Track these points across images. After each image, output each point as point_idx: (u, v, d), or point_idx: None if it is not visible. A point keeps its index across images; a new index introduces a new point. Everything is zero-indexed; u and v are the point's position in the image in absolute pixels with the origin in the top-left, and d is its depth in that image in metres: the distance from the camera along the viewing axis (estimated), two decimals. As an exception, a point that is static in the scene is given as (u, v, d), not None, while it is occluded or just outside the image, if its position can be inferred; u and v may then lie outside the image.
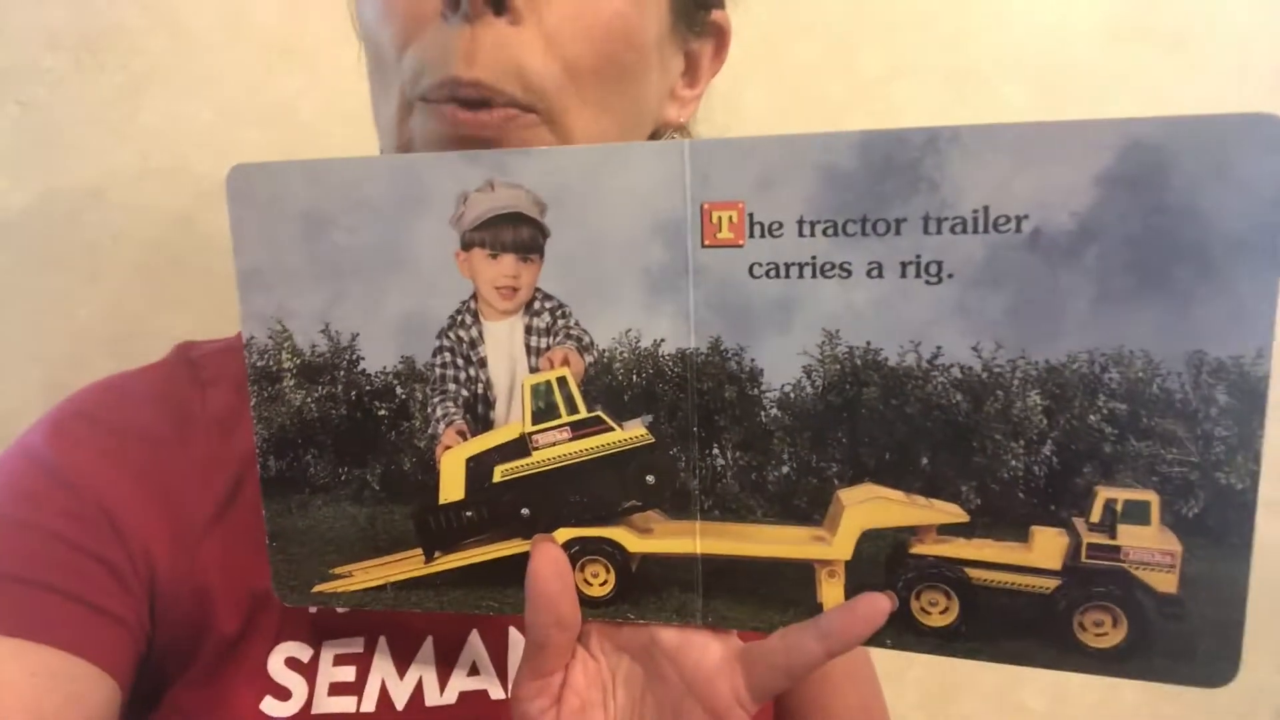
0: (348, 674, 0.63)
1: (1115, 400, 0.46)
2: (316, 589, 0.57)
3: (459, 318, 0.54)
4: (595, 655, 0.56)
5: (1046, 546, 0.48)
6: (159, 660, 0.62)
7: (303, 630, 0.64)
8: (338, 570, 0.57)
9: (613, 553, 0.54)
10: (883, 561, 0.51)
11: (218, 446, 0.65)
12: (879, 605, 0.50)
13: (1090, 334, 0.46)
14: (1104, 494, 0.47)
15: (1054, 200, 0.45)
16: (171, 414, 0.65)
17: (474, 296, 0.53)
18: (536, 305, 0.53)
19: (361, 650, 0.64)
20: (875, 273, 0.48)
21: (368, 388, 0.55)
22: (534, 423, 0.54)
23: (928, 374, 0.48)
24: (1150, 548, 0.47)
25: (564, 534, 0.54)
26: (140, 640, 0.61)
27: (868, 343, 0.49)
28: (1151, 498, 0.46)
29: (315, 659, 0.63)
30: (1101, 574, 0.48)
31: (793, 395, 0.51)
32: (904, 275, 0.48)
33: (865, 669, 0.85)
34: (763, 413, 0.51)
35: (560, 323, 0.53)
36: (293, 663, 0.63)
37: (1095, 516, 0.47)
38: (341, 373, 0.55)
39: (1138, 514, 0.47)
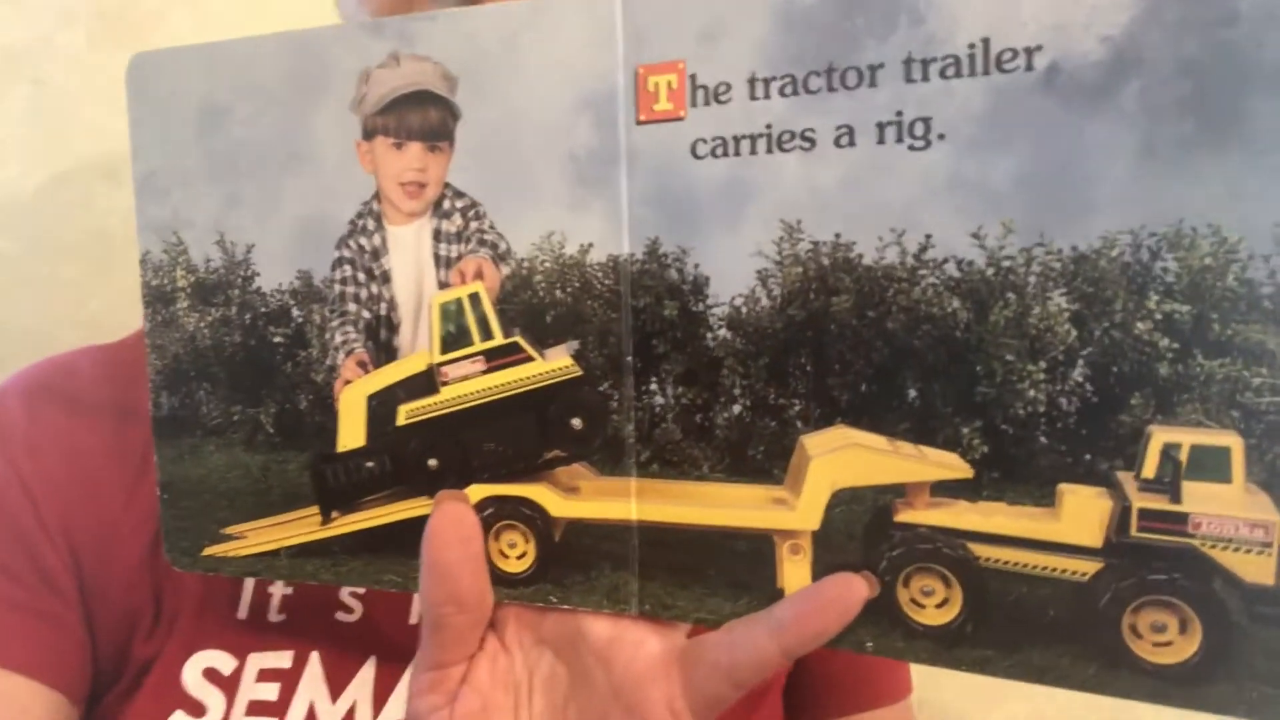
0: (270, 692, 0.54)
1: (1173, 300, 0.33)
2: (206, 551, 0.49)
3: (360, 222, 0.45)
4: (510, 649, 0.44)
5: (1081, 513, 0.34)
6: (99, 670, 0.56)
7: (227, 635, 0.55)
8: (229, 530, 0.49)
9: (532, 517, 0.43)
10: (860, 533, 0.38)
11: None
12: (852, 590, 0.37)
13: (1134, 206, 0.33)
14: (1160, 436, 0.33)
15: (1076, 21, 0.33)
16: (105, 396, 0.60)
17: (376, 196, 0.44)
18: (446, 205, 0.43)
19: (289, 665, 0.54)
20: (845, 140, 0.36)
21: (262, 310, 0.47)
22: (443, 351, 0.44)
23: (914, 274, 0.36)
24: (1232, 516, 0.33)
25: (477, 492, 0.44)
26: (82, 643, 0.55)
27: (837, 236, 0.37)
28: (1232, 441, 0.32)
29: (239, 671, 0.54)
30: (1161, 554, 0.34)
31: (745, 310, 0.39)
32: (881, 140, 0.36)
33: None
34: (709, 334, 0.40)
35: (473, 226, 0.43)
36: (212, 674, 0.54)
37: (1149, 470, 0.33)
38: (236, 292, 0.47)
39: (1212, 466, 0.33)
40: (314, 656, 0.55)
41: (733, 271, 0.39)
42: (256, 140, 0.45)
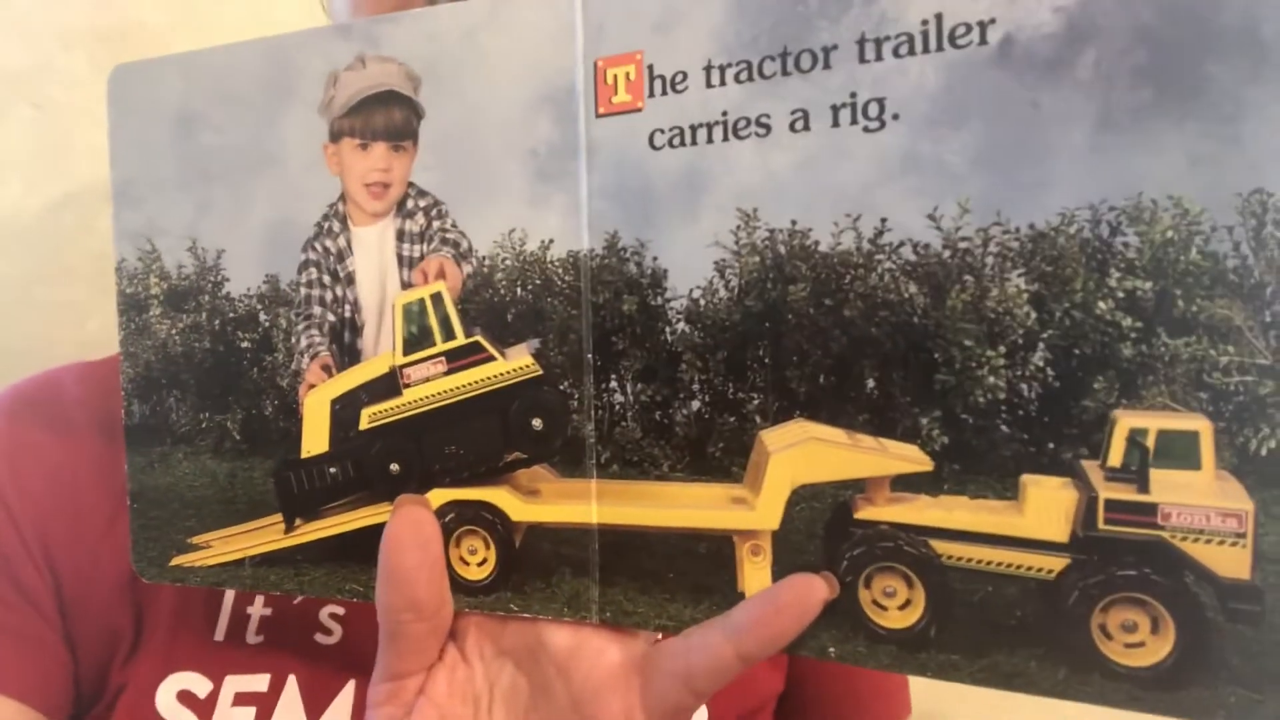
0: (246, 716, 0.52)
1: (1134, 277, 0.31)
2: (173, 562, 0.48)
3: (326, 224, 0.45)
4: (470, 660, 0.43)
5: (1045, 506, 0.33)
6: (80, 692, 0.55)
7: (203, 657, 0.54)
8: (196, 540, 0.48)
9: (493, 522, 0.42)
10: (821, 532, 0.37)
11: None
12: (810, 592, 0.35)
13: (1092, 180, 0.31)
14: (1126, 422, 0.31)
15: (1029, -9, 0.32)
16: (91, 414, 0.59)
17: (342, 198, 0.44)
18: (409, 204, 0.43)
19: (266, 689, 0.53)
20: (800, 124, 0.36)
21: (230, 315, 0.47)
22: (405, 352, 0.43)
23: (870, 259, 0.35)
24: (1203, 505, 0.31)
25: (438, 496, 0.43)
26: (64, 663, 0.54)
27: (793, 223, 0.36)
28: (1200, 425, 0.31)
29: (214, 694, 0.53)
30: (1130, 548, 0.32)
31: (703, 303, 0.38)
32: (836, 124, 0.35)
33: None
34: (668, 329, 0.39)
35: (435, 225, 0.43)
36: (186, 697, 0.53)
37: (1115, 457, 0.32)
38: (206, 298, 0.47)
39: (1180, 451, 0.31)
40: (292, 680, 0.54)
41: (691, 263, 0.38)
42: (228, 146, 0.46)
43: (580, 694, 0.40)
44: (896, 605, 0.35)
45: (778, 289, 0.37)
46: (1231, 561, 0.30)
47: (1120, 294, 0.31)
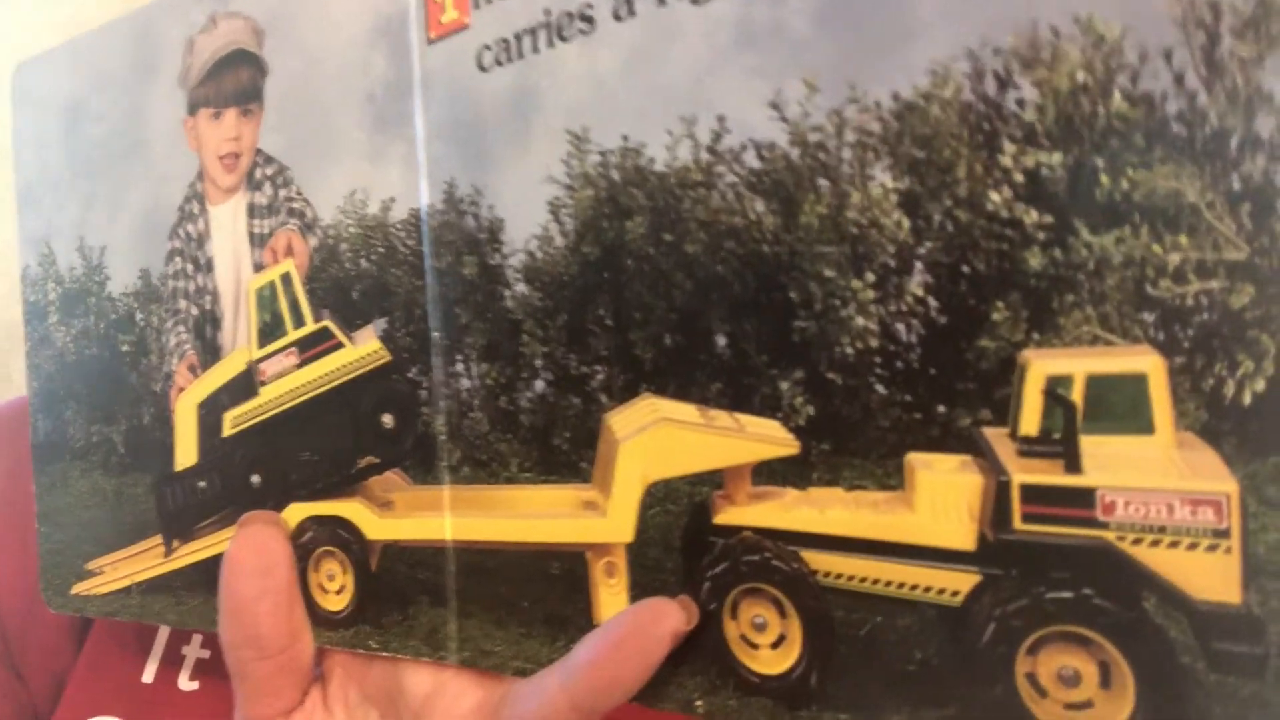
0: None
1: (1036, 148, 0.21)
2: (74, 590, 0.44)
3: (187, 207, 0.40)
4: (332, 706, 0.36)
5: (938, 498, 0.22)
6: None
7: (125, 700, 0.49)
8: (90, 566, 0.43)
9: (349, 541, 0.35)
10: (679, 543, 0.27)
11: None
12: (653, 623, 0.26)
13: (967, 14, 0.21)
14: (1040, 366, 0.21)
15: None
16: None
17: (200, 175, 0.39)
18: (257, 174, 0.37)
19: None
20: (624, 9, 0.27)
21: (113, 316, 0.42)
22: (260, 344, 0.37)
23: (711, 172, 0.26)
24: (1160, 488, 0.20)
25: (297, 512, 0.36)
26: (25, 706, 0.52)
27: (625, 139, 0.28)
28: (1147, 363, 0.20)
29: None
30: (1060, 557, 0.21)
31: (539, 255, 0.30)
32: (662, 1, 0.27)
33: None
34: (507, 292, 0.31)
35: (282, 194, 0.37)
36: None
37: (1030, 421, 0.21)
38: (93, 300, 0.43)
39: (1122, 406, 0.20)
40: None
41: (526, 208, 0.30)
42: (107, 134, 0.42)
43: (431, 748, 0.32)
44: (769, 641, 0.26)
45: (614, 228, 0.28)
46: (1210, 575, 0.19)
47: (1018, 176, 0.21)
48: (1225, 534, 0.19)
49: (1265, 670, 0.19)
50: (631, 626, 0.27)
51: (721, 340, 0.26)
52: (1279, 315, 0.18)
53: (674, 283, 0.27)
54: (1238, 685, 0.19)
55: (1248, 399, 0.18)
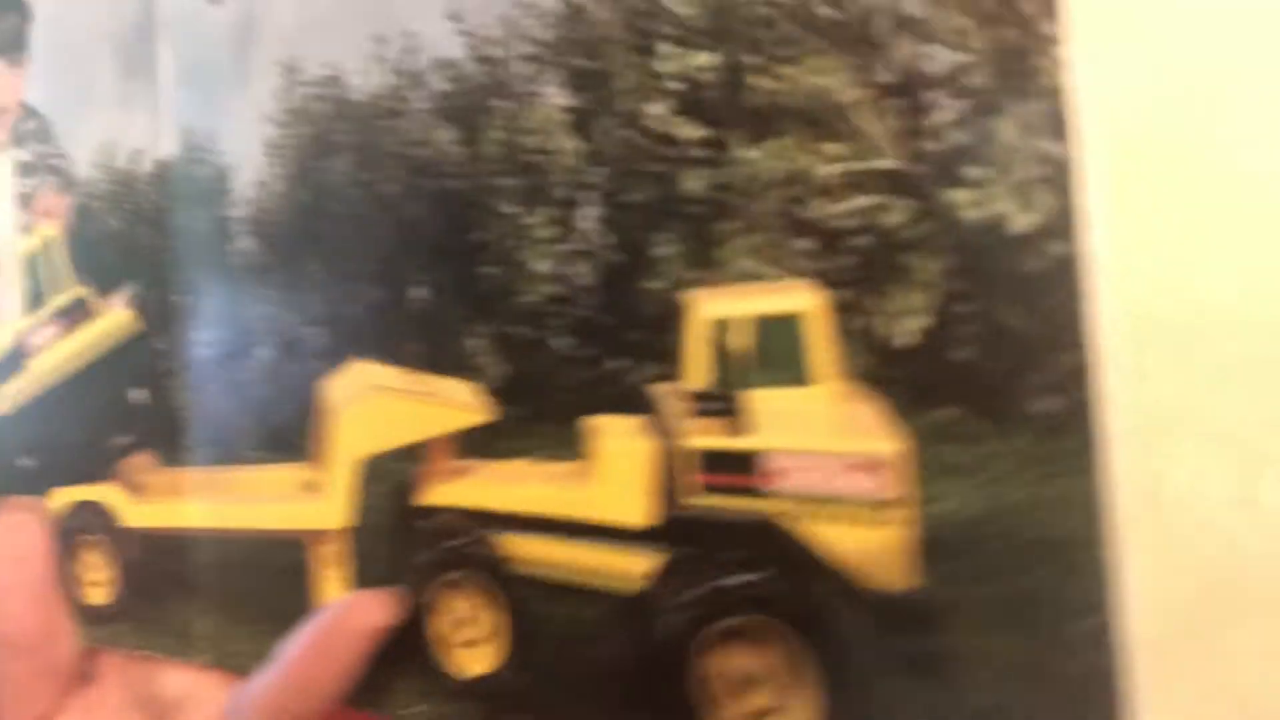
0: None
1: (691, 48, 0.17)
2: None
3: (-34, 171, 0.37)
4: (94, 712, 0.33)
5: (612, 467, 0.19)
6: None
7: None
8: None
9: (107, 528, 0.32)
10: (388, 529, 0.24)
11: None
12: (351, 619, 0.23)
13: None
14: (705, 310, 0.18)
15: None
16: None
17: (-25, 136, 0.36)
18: (20, 129, 0.34)
19: None
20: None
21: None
22: (25, 314, 0.34)
23: (403, 99, 0.23)
24: (816, 450, 0.16)
25: (63, 496, 0.33)
26: None
27: (331, 74, 0.24)
28: (800, 303, 0.16)
29: None
30: (731, 535, 0.18)
31: (261, 204, 0.27)
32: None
33: None
34: (234, 247, 0.28)
35: (42, 150, 0.34)
36: None
37: (697, 373, 0.18)
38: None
39: (783, 353, 0.17)
40: None
41: (248, 151, 0.27)
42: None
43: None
44: (472, 639, 0.22)
45: (321, 169, 0.25)
46: (876, 556, 0.16)
47: (675, 84, 0.17)
48: (889, 505, 0.15)
49: (944, 668, 0.15)
50: (330, 623, 0.23)
51: (423, 292, 0.23)
52: (939, 234, 0.14)
53: (375, 227, 0.23)
54: (920, 687, 0.16)
55: (907, 338, 0.15)
